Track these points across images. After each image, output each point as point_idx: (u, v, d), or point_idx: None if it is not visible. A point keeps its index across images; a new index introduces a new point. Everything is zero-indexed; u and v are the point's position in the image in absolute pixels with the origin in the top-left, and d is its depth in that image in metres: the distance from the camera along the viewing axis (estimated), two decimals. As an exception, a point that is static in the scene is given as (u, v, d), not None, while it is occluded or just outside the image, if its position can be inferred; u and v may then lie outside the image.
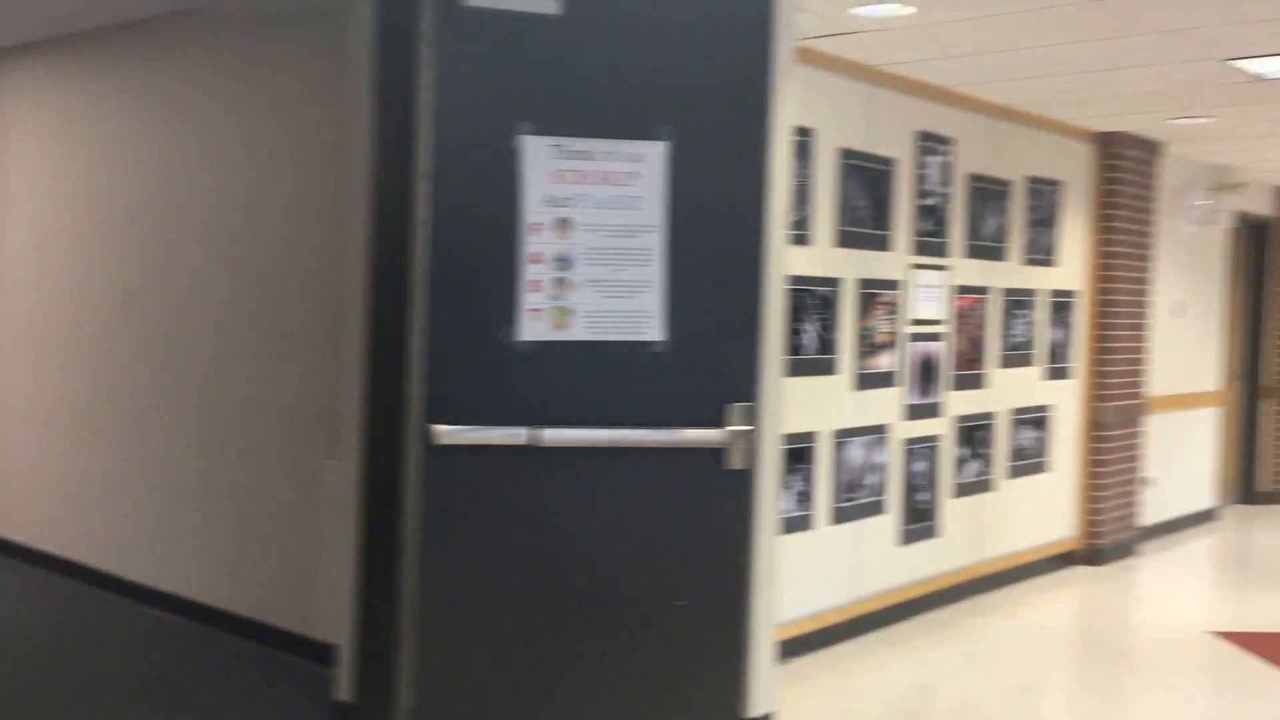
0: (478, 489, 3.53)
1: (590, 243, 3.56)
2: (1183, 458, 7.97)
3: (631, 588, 3.64)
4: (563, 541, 3.59)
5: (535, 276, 3.52)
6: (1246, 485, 9.21)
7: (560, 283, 3.54)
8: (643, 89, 3.56)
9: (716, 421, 3.65)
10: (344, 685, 3.80)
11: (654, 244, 3.60)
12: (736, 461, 3.65)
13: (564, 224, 3.53)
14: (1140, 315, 7.07)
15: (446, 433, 3.44)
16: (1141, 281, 7.05)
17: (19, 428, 6.05)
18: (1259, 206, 8.91)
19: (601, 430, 3.57)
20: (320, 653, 4.34)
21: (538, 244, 3.52)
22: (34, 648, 4.77)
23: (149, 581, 5.26)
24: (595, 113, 3.53)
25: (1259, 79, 5.13)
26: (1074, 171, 6.64)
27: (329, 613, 4.04)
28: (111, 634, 4.94)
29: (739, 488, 3.69)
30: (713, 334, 3.67)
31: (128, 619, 5.14)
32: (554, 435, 3.52)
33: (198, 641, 4.85)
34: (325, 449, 4.30)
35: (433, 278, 3.45)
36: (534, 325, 3.53)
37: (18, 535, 6.04)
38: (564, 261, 3.54)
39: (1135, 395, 7.09)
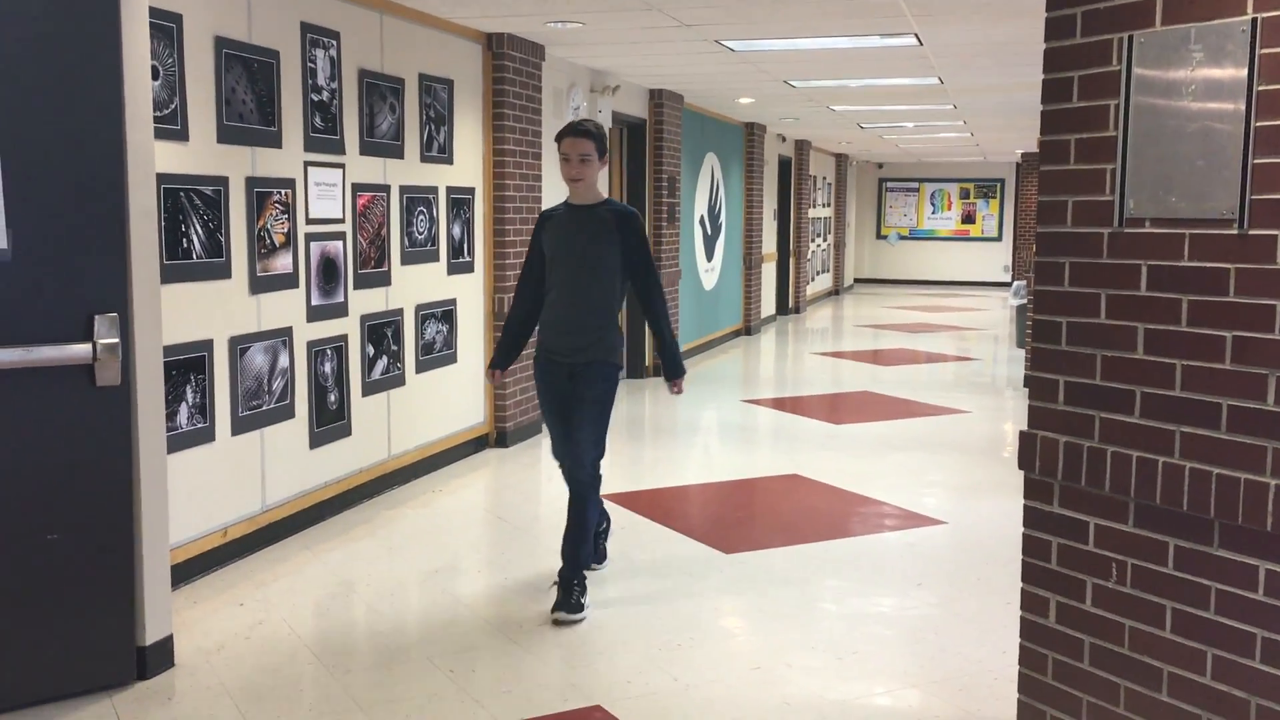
0: None
1: (-104, 135, 3.03)
2: (579, 341, 8.68)
3: (-11, 528, 3.24)
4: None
5: None
6: (635, 361, 10.28)
7: None
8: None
9: (78, 336, 3.32)
10: None
11: (-16, 137, 3.14)
12: (107, 377, 3.36)
13: None
14: (534, 210, 7.51)
15: None
16: (533, 178, 7.49)
17: None
18: (634, 108, 9.80)
19: (-69, 354, 3.10)
20: None
21: None
22: None
23: None
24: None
25: (617, -12, 5.57)
26: (465, 70, 6.83)
27: None
28: None
29: (111, 406, 3.40)
30: (68, 238, 3.31)
31: None
32: None
33: None
34: None
35: None
36: None
37: None
38: None
39: (533, 285, 7.56)
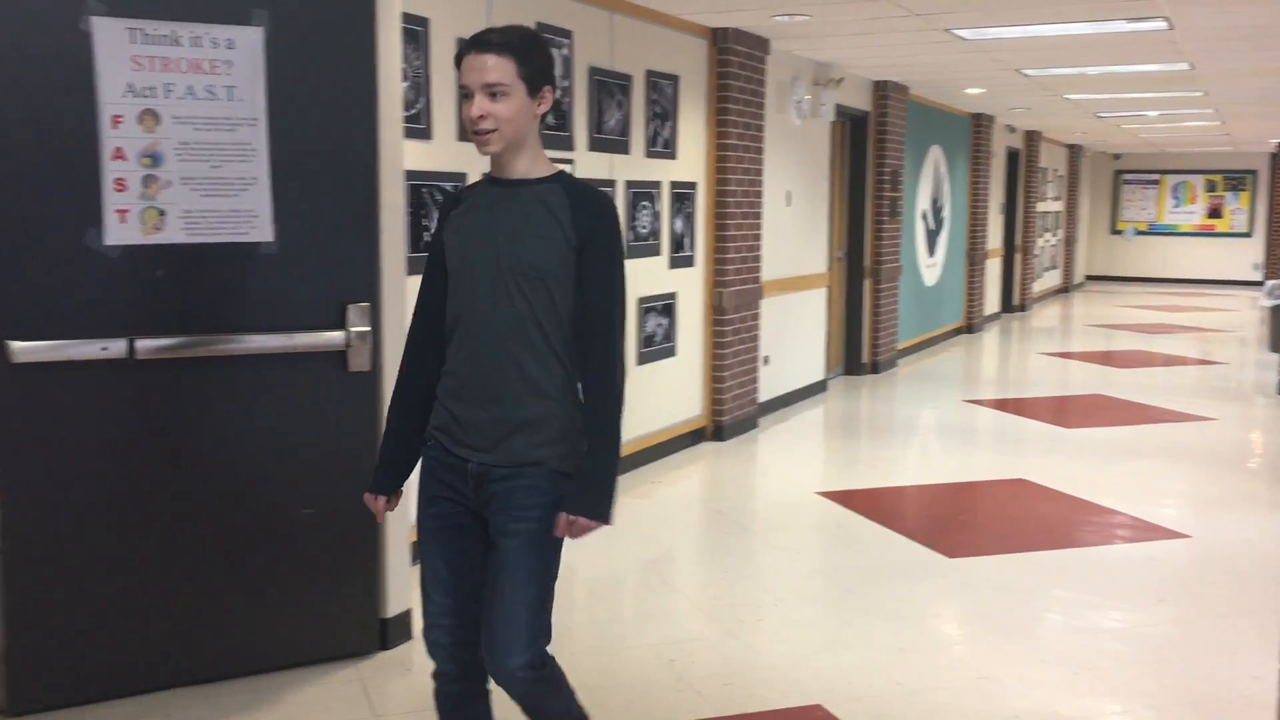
0: (66, 410, 3.24)
1: (182, 136, 3.30)
2: (796, 336, 8.64)
3: (253, 501, 3.50)
4: (169, 460, 3.38)
5: (119, 174, 3.22)
6: (852, 357, 10.14)
7: (149, 180, 3.26)
8: (230, -32, 3.30)
9: (334, 324, 3.53)
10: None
11: (256, 138, 3.39)
12: (358, 363, 3.57)
13: (149, 116, 3.24)
14: (754, 204, 7.51)
15: (24, 349, 3.12)
16: (754, 172, 7.48)
17: None
18: (857, 101, 9.64)
19: (206, 337, 3.37)
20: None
21: (119, 138, 3.21)
22: None
23: None
24: (176, -7, 3.24)
25: (847, -21, 5.50)
26: (690, 66, 6.88)
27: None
28: None
29: (361, 391, 3.61)
30: (326, 232, 3.53)
31: None
32: (151, 346, 3.28)
33: None
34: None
35: (-7, 177, 3.08)
36: (123, 228, 3.24)
37: None
38: (152, 157, 3.26)
39: (751, 280, 7.57)
